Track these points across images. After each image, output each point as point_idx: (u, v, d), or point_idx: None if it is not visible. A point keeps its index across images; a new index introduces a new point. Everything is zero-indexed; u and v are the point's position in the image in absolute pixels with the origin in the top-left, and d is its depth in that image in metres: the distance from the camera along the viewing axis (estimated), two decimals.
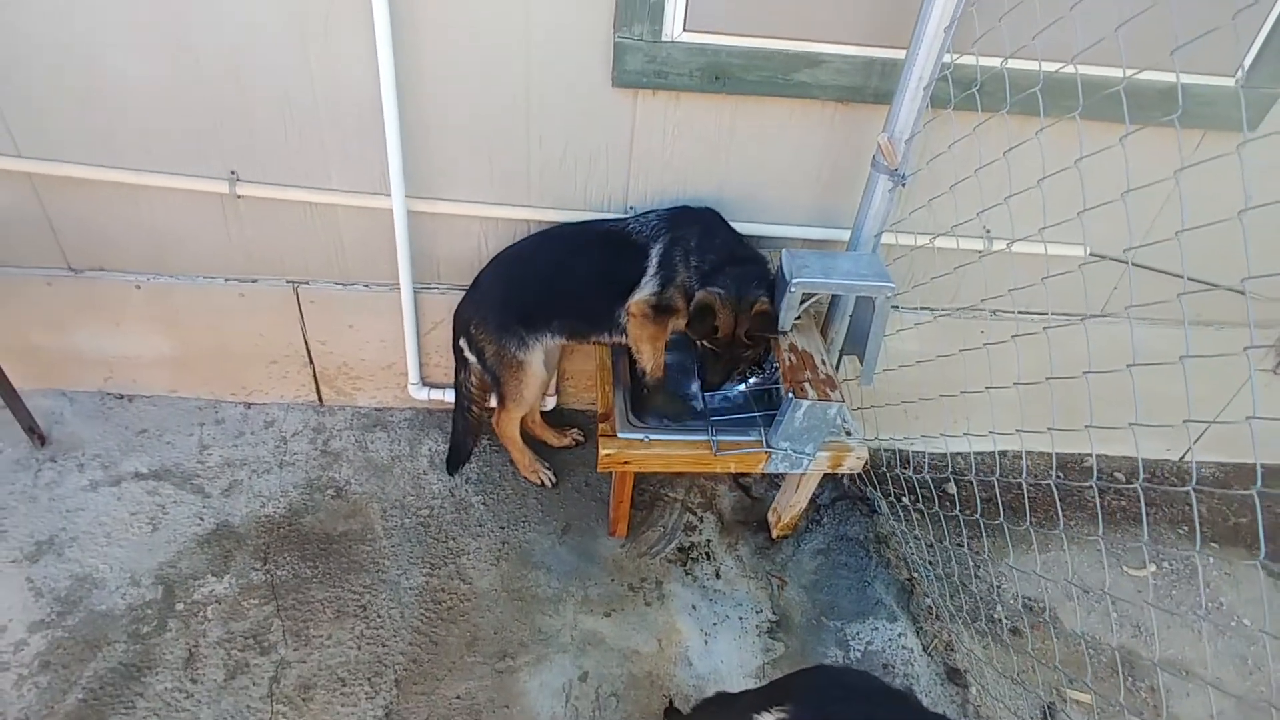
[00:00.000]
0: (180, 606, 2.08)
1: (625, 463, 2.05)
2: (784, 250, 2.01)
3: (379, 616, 2.12)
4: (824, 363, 2.00)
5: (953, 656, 2.21)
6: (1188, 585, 2.64)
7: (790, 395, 1.89)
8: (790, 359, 1.99)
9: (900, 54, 1.95)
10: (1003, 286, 1.99)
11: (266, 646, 2.02)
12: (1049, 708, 2.16)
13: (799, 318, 2.08)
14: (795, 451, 2.02)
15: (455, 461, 2.55)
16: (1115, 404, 1.63)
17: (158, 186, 2.18)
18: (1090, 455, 3.03)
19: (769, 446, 2.02)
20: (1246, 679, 2.34)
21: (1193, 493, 1.44)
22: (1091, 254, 2.40)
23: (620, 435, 2.05)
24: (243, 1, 1.89)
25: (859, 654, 2.19)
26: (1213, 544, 2.84)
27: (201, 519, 2.31)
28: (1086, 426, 1.69)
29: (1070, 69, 1.66)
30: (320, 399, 2.72)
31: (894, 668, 2.16)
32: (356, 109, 2.07)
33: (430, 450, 2.63)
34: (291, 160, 2.17)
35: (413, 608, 2.16)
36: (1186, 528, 2.86)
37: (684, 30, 1.99)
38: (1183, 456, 3.18)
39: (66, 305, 2.43)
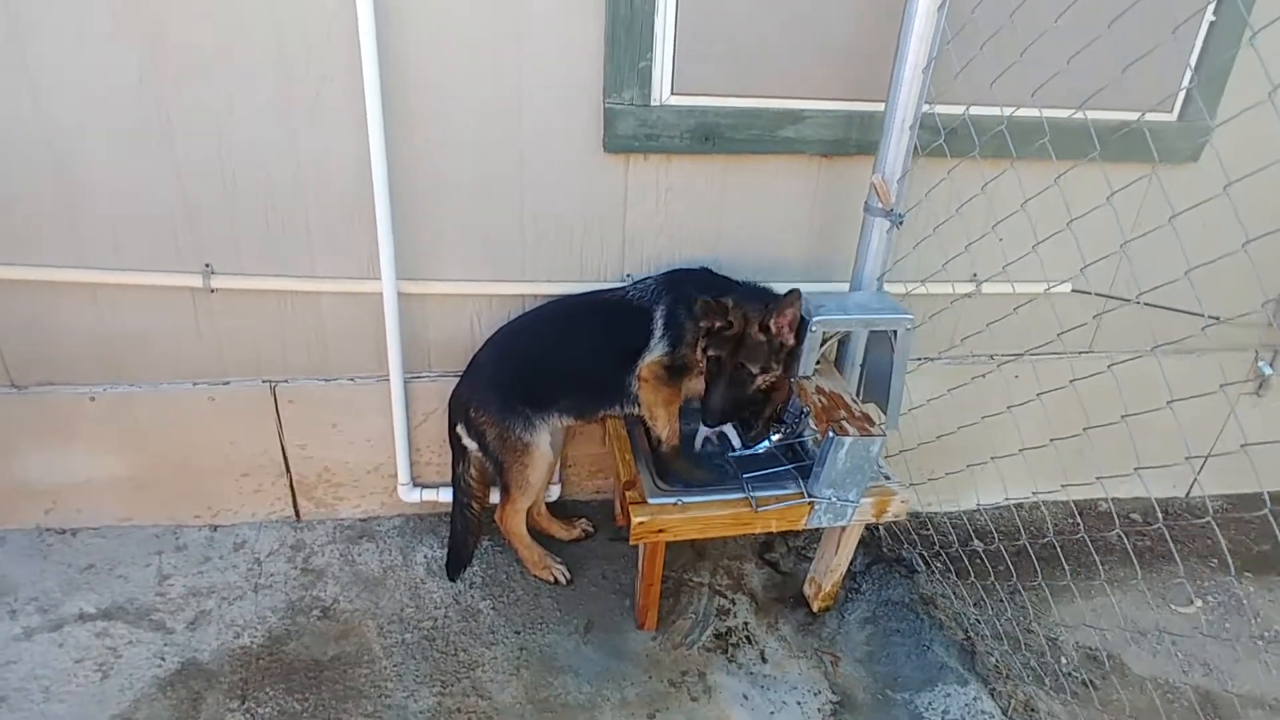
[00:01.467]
0: None
1: (660, 531, 1.87)
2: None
3: None
4: (855, 401, 1.92)
5: (1036, 716, 2.00)
6: (1237, 616, 2.53)
7: (831, 434, 1.78)
8: (820, 400, 1.90)
9: (877, 107, 2.04)
10: (1001, 329, 2.04)
11: None
12: None
13: (819, 363, 2.02)
14: (839, 499, 1.89)
15: (456, 565, 2.30)
16: (1120, 447, 1.71)
17: (122, 284, 2.04)
18: (1105, 499, 2.98)
19: (811, 496, 1.89)
20: None
21: (1136, 511, 1.38)
22: (1073, 290, 2.48)
23: (651, 501, 1.88)
24: (226, 85, 1.86)
25: None
26: (1246, 574, 2.76)
27: (163, 659, 1.97)
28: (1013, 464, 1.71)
29: (1035, 111, 1.76)
30: (297, 514, 2.45)
31: None
32: (344, 190, 2.02)
33: (426, 557, 2.37)
34: (273, 248, 2.07)
35: None
36: (1216, 561, 2.79)
37: (672, 94, 2.04)
38: (1188, 492, 3.17)
39: (6, 428, 2.17)
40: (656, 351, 2.05)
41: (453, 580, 2.29)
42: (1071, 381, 1.80)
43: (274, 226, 2.04)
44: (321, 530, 2.44)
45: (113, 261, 2.01)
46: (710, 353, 1.91)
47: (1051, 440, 1.88)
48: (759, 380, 1.93)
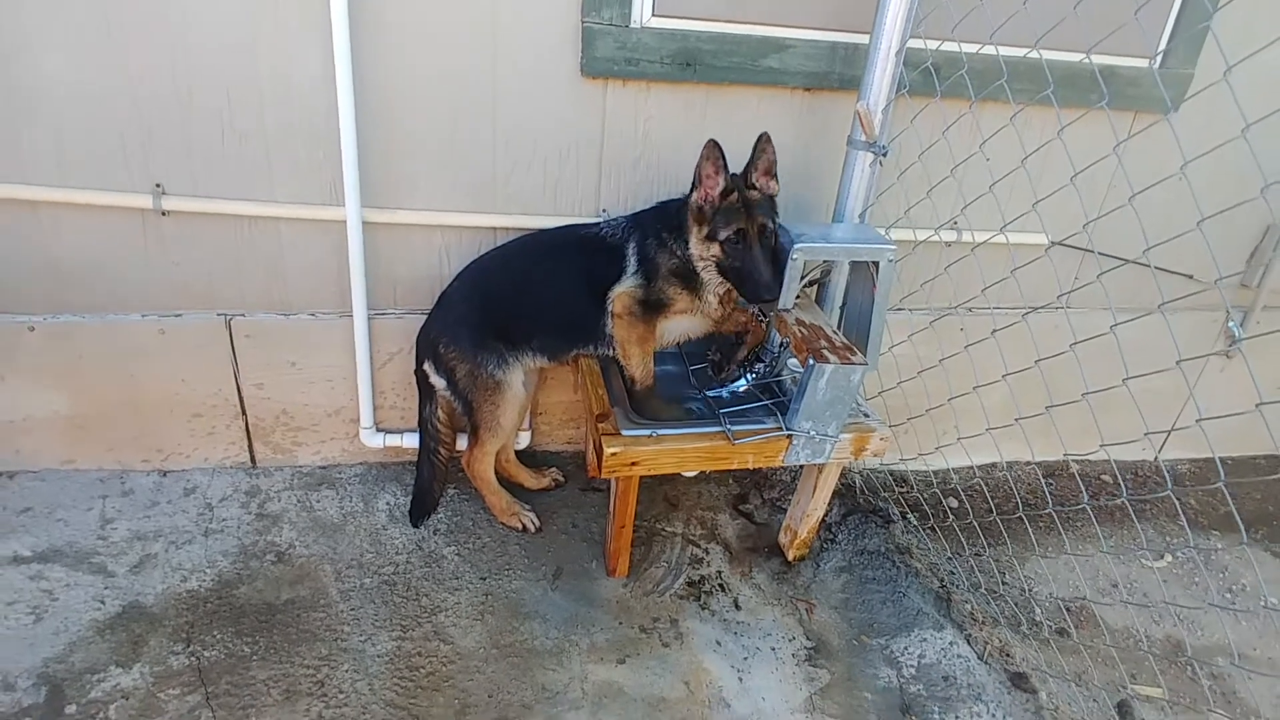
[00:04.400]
0: (72, 709, 1.60)
1: (633, 463, 1.80)
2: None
3: (341, 692, 1.70)
4: (836, 332, 1.87)
5: (1012, 661, 1.97)
6: (1206, 571, 2.54)
7: (812, 362, 1.72)
8: (800, 331, 1.85)
9: (861, 39, 1.99)
10: (977, 284, 2.05)
11: None
12: (1120, 706, 1.93)
13: (798, 297, 1.96)
14: (818, 434, 1.84)
15: (420, 511, 2.21)
16: (1097, 409, 1.70)
17: (66, 203, 1.91)
18: (1071, 462, 2.99)
19: (789, 430, 1.83)
20: None
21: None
22: (1052, 242, 2.45)
23: (624, 433, 1.81)
24: None
25: (913, 670, 1.92)
26: (1213, 532, 2.78)
27: (103, 602, 1.85)
28: (984, 430, 1.68)
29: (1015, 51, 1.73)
30: (253, 459, 2.34)
31: (955, 679, 1.89)
32: (308, 108, 1.91)
33: (389, 504, 2.27)
34: (229, 169, 1.95)
35: (383, 678, 1.74)
36: (1185, 519, 2.80)
37: (653, 15, 1.97)
38: (1156, 456, 3.19)
39: None
40: (628, 284, 1.98)
41: (416, 526, 2.19)
42: (1036, 362, 1.80)
43: (231, 145, 1.93)
44: (279, 477, 2.32)
45: (56, 178, 1.88)
46: (726, 233, 1.83)
47: (1017, 419, 1.92)
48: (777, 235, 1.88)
